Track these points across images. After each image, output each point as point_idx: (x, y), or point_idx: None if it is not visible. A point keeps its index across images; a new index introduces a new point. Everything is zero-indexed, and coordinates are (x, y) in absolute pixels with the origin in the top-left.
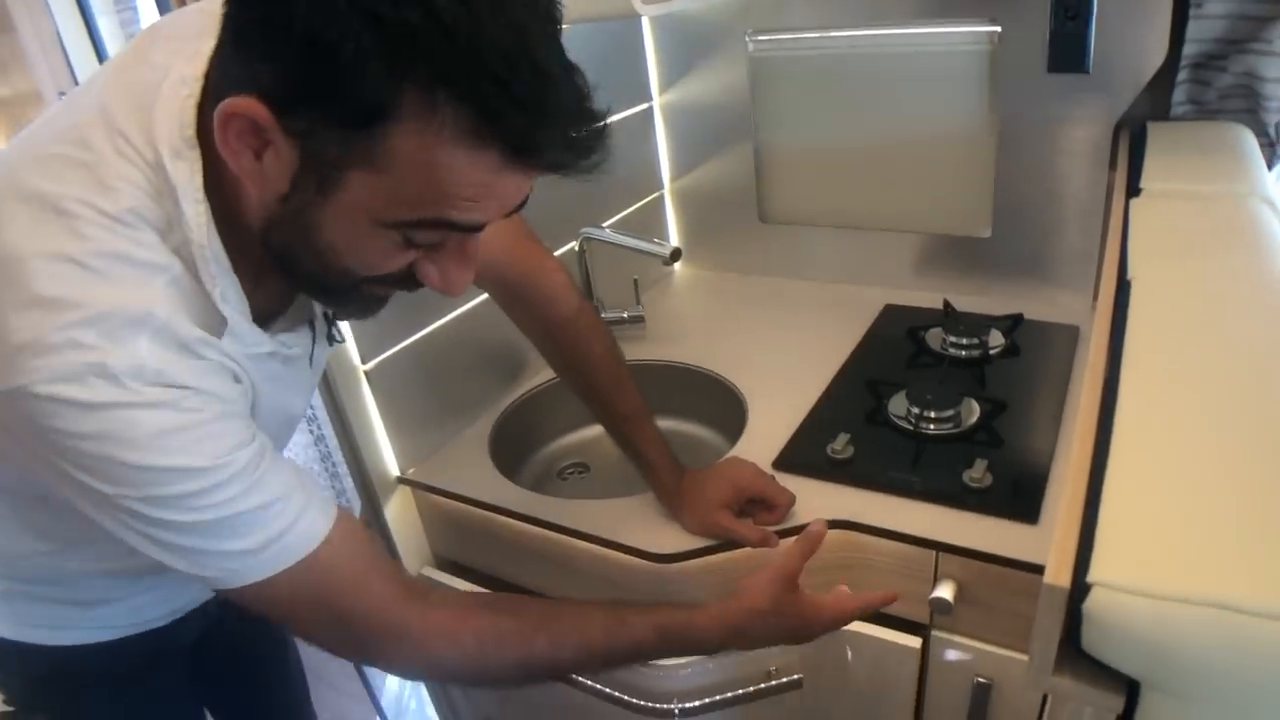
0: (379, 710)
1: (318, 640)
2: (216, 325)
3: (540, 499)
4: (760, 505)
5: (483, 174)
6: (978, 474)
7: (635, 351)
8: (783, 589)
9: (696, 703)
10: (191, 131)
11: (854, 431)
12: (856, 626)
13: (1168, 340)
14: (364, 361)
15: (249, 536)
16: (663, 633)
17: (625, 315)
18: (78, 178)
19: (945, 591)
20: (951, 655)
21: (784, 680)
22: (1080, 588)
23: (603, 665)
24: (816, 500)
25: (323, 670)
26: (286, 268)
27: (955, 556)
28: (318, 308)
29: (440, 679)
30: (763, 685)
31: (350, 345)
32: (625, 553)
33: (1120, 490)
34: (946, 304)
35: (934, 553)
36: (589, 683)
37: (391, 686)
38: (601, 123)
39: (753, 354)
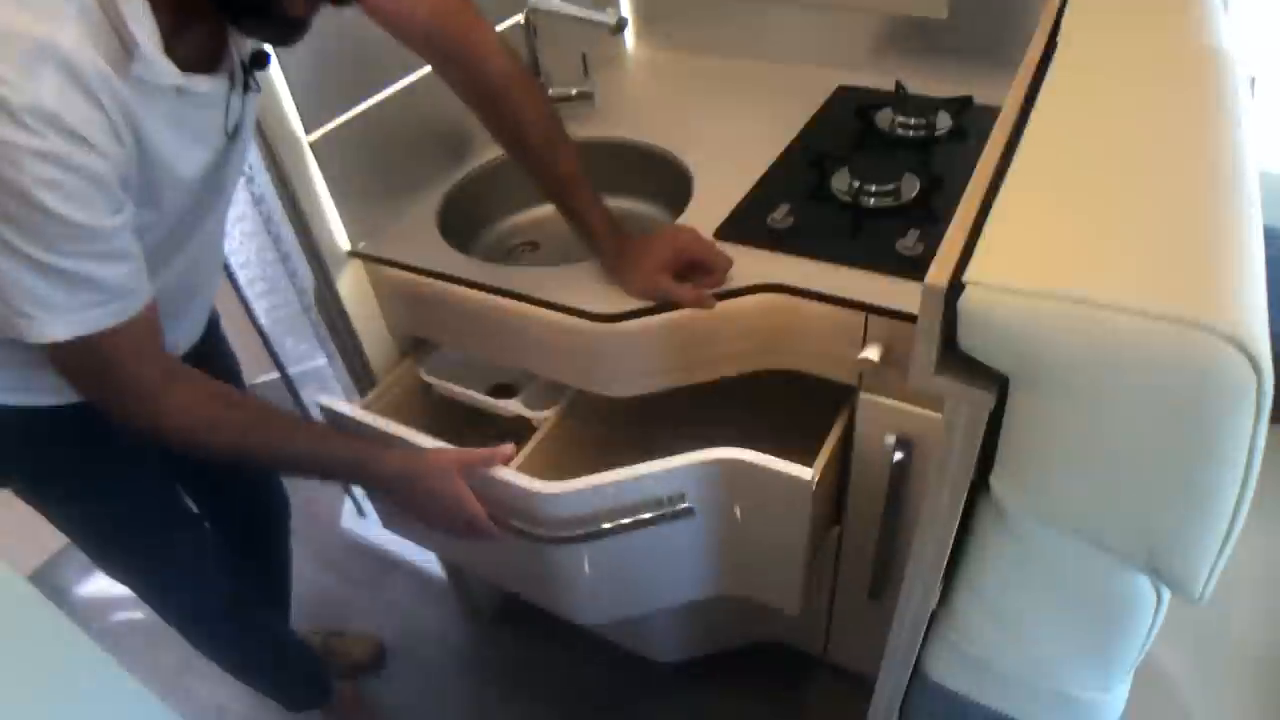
0: (347, 489)
1: (85, 396)
2: (123, 56)
3: (489, 267)
4: (699, 269)
5: None
6: (910, 243)
7: (582, 129)
8: (462, 464)
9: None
10: None
11: (795, 203)
12: (752, 457)
13: (1080, 91)
14: (308, 132)
15: (77, 294)
16: (357, 456)
17: (574, 92)
18: None
19: (872, 353)
20: (876, 414)
21: (677, 508)
22: (956, 287)
23: (300, 469)
24: (754, 266)
25: None
26: None
27: (884, 319)
28: (237, 55)
29: (173, 446)
30: (657, 513)
31: (291, 115)
32: (568, 314)
33: (1004, 210)
34: (898, 85)
35: (864, 315)
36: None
37: None
38: None
39: (702, 132)
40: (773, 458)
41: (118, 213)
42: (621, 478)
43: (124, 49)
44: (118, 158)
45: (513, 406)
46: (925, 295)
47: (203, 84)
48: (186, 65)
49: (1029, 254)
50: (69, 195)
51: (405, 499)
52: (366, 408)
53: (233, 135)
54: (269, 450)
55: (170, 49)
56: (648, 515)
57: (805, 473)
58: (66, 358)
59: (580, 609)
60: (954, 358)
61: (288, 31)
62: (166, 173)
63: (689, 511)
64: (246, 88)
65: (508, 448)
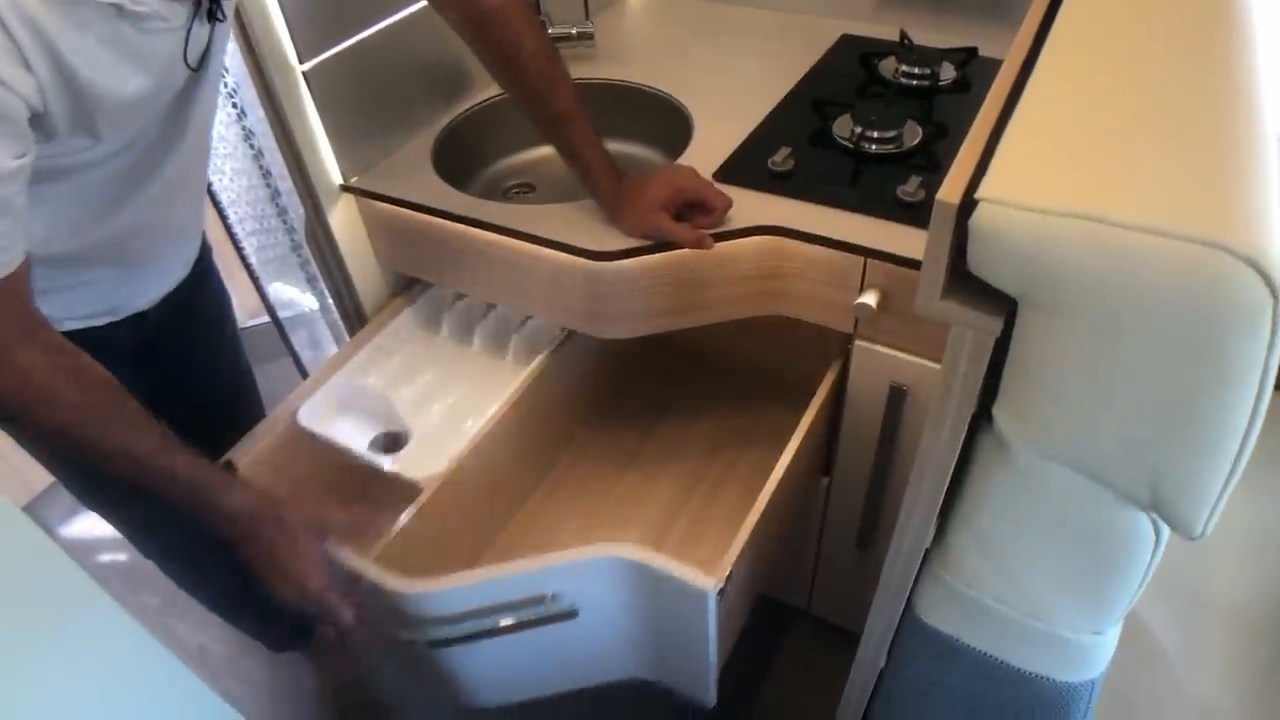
0: None
1: None
2: None
3: (483, 204)
4: (698, 209)
5: None
6: (911, 189)
7: (582, 70)
8: (320, 526)
9: None
10: None
11: (796, 147)
12: (644, 557)
13: (1096, 17)
14: (302, 61)
15: None
16: (201, 478)
17: (574, 32)
18: None
19: (870, 299)
20: (871, 361)
21: (559, 609)
22: (969, 204)
23: (135, 477)
24: (753, 208)
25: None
26: None
27: (882, 264)
28: None
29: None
30: (535, 615)
31: (286, 43)
32: (563, 251)
33: (1019, 130)
34: (903, 34)
35: (862, 260)
36: None
37: None
38: None
39: (702, 76)
40: (669, 561)
41: (18, 157)
42: (492, 576)
43: None
44: (26, 88)
45: (393, 466)
46: (936, 212)
47: (151, 3)
48: None
49: (1043, 173)
50: None
51: (242, 544)
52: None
53: (199, 67)
54: (101, 445)
55: None
56: (526, 617)
57: (706, 581)
58: None
59: (467, 695)
60: (960, 285)
61: None
62: (100, 99)
63: (571, 613)
64: (212, 16)
65: (375, 525)
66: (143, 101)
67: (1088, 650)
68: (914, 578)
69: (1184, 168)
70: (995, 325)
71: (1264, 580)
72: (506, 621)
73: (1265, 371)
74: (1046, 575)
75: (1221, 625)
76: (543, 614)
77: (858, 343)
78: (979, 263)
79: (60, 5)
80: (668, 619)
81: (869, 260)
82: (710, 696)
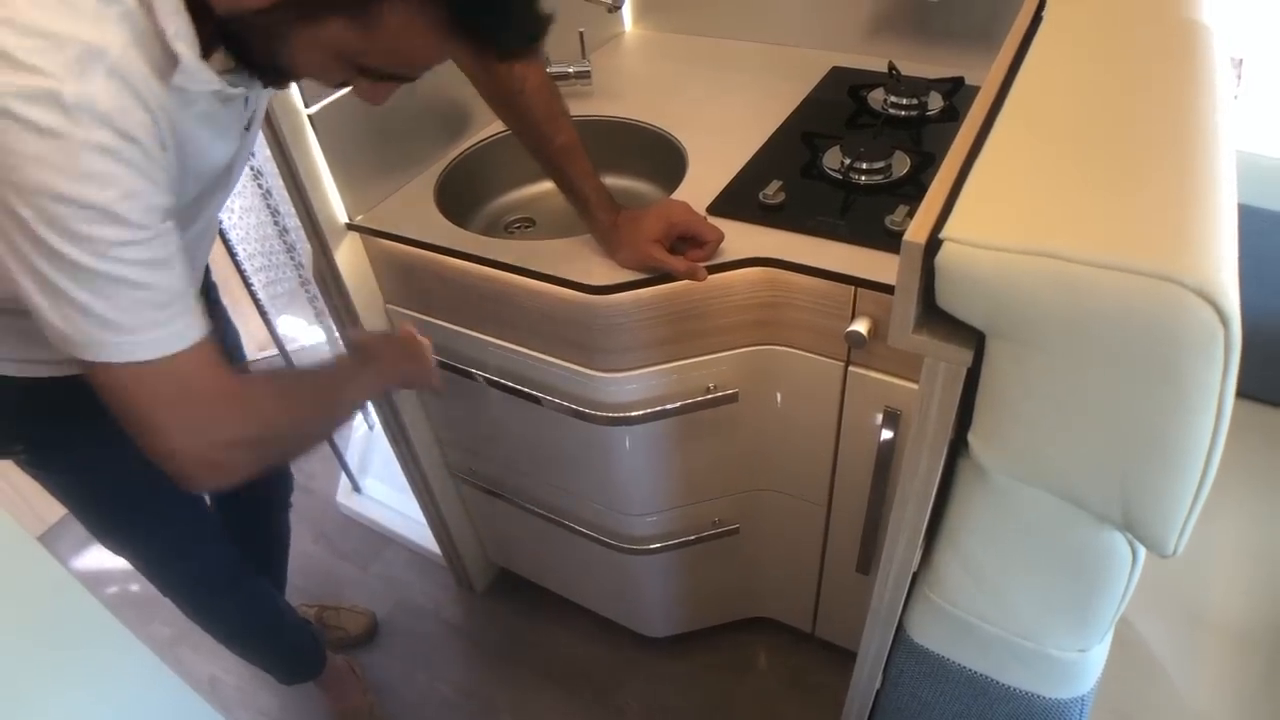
0: (344, 466)
1: (133, 432)
2: (165, 65)
3: (484, 240)
4: (691, 242)
5: (444, 54)
6: (899, 219)
7: (580, 108)
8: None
9: (642, 411)
10: None
11: (787, 180)
12: (789, 349)
13: (1062, 58)
14: (307, 106)
15: (130, 312)
16: (355, 380)
17: (571, 70)
18: None
19: (861, 326)
20: (864, 387)
21: (721, 394)
22: (934, 244)
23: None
24: (745, 241)
25: None
26: (234, 48)
27: (872, 292)
28: None
29: (252, 457)
30: (701, 399)
31: (293, 88)
32: (561, 285)
33: (983, 171)
34: (891, 66)
35: (852, 289)
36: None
37: (354, 446)
38: (548, 22)
39: (697, 111)
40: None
41: (166, 219)
42: (673, 365)
43: (165, 57)
44: (165, 162)
45: None
46: (904, 251)
47: (238, 83)
48: (223, 68)
49: (1005, 212)
50: (126, 194)
51: (380, 370)
52: None
53: (247, 126)
54: (318, 421)
55: (209, 52)
56: (694, 400)
57: (837, 363)
58: (113, 389)
59: (621, 497)
60: (933, 318)
61: (282, 80)
62: (194, 171)
63: (733, 397)
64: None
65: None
66: (227, 174)
67: (1074, 667)
68: (904, 599)
69: (1141, 202)
70: (966, 356)
71: (1259, 595)
72: (678, 404)
73: (1222, 395)
74: (1029, 594)
75: (1217, 640)
76: (709, 399)
77: (851, 369)
78: (946, 298)
79: (176, 91)
80: (803, 405)
81: (859, 289)
82: (823, 495)
